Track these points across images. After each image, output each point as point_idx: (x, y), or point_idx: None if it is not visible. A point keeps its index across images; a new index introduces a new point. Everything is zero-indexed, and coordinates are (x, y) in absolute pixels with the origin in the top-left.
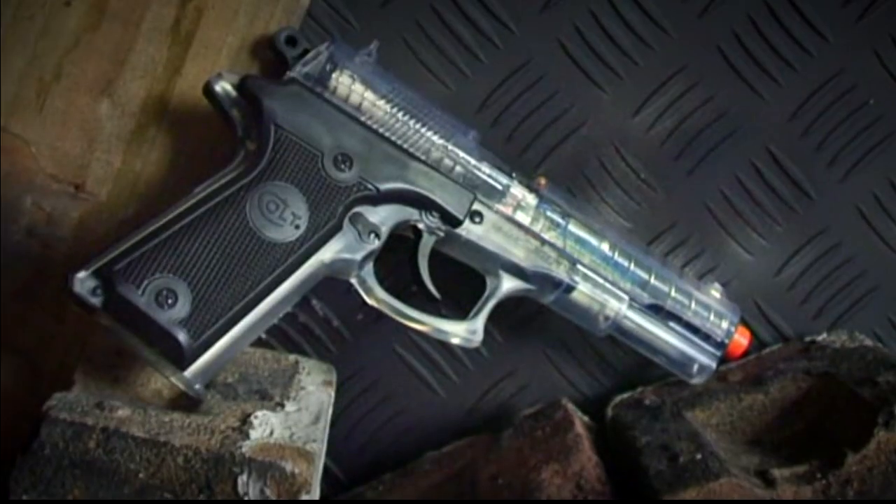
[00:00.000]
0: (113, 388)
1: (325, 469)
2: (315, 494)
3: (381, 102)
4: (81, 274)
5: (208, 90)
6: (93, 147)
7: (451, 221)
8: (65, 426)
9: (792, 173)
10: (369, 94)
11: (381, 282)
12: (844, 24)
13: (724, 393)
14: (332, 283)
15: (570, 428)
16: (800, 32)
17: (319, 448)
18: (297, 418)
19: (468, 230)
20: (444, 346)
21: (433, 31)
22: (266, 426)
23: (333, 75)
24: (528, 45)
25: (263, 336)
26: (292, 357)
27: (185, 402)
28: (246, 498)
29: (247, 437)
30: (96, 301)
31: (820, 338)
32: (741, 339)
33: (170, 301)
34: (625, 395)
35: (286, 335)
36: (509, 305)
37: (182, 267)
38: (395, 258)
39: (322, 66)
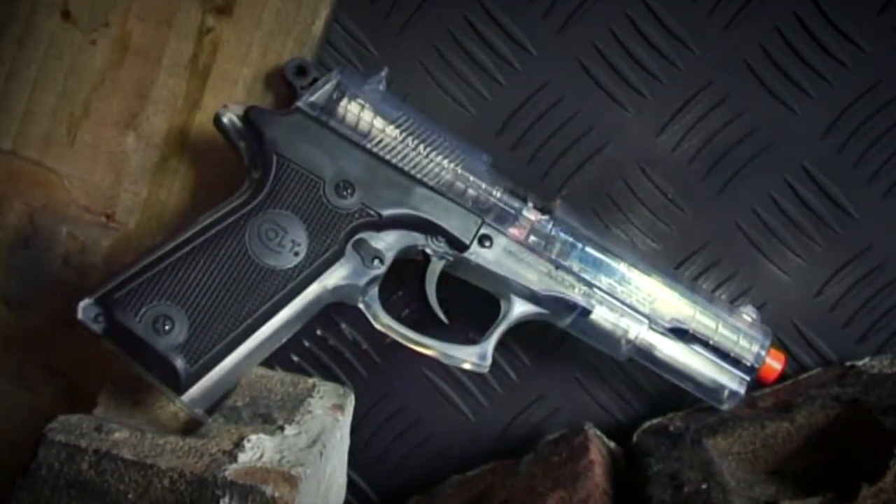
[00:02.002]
0: (133, 410)
1: (358, 490)
2: None
3: (390, 128)
4: (85, 302)
5: (217, 122)
6: (121, 179)
7: (458, 246)
8: (60, 448)
9: (829, 190)
10: (378, 121)
11: (405, 307)
12: (880, 33)
13: (749, 420)
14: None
15: (585, 454)
16: (832, 43)
17: (311, 471)
18: (292, 442)
19: (477, 254)
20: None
21: (451, 55)
22: (257, 449)
23: (341, 103)
24: (547, 66)
25: (295, 359)
26: (311, 381)
27: (195, 425)
28: None
29: (235, 460)
30: (98, 327)
31: (861, 363)
32: (774, 363)
33: (167, 327)
34: (654, 421)
35: (317, 358)
36: (536, 329)
37: (180, 294)
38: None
39: (329, 95)
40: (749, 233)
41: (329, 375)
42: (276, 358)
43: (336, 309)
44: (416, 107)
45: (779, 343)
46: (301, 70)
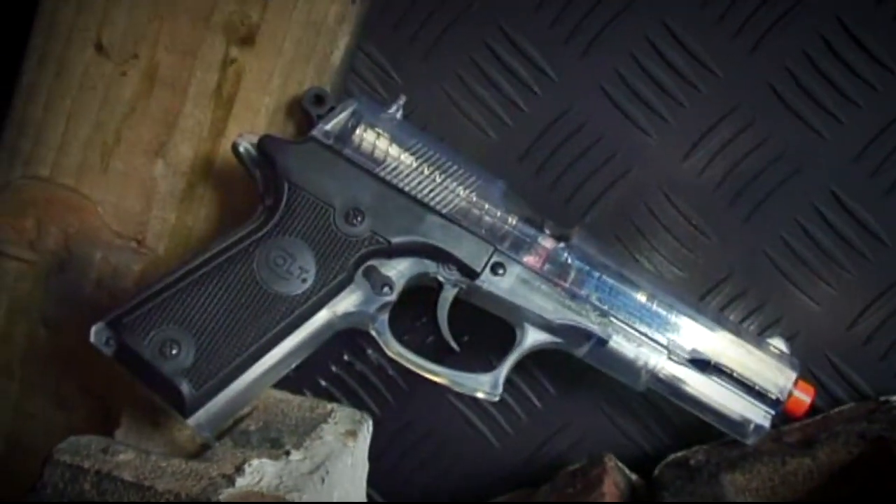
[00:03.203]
0: (152, 431)
1: None
2: None
3: (404, 156)
4: (97, 326)
5: (234, 151)
6: (150, 205)
7: (469, 273)
8: (64, 468)
9: (860, 217)
10: (392, 149)
11: (430, 334)
12: None
13: (769, 456)
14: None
15: (598, 486)
16: (861, 66)
17: (308, 497)
18: (294, 467)
19: (489, 282)
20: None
21: (473, 81)
22: (257, 474)
23: (357, 131)
24: (569, 92)
25: (323, 384)
26: (330, 406)
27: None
28: None
29: (232, 484)
30: (108, 351)
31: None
32: (802, 396)
33: (173, 352)
34: (678, 454)
35: (344, 383)
36: (561, 358)
37: (187, 319)
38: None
39: (344, 123)
40: (777, 261)
41: (356, 400)
42: (306, 382)
43: (362, 335)
44: (439, 132)
45: (810, 376)
46: (319, 99)
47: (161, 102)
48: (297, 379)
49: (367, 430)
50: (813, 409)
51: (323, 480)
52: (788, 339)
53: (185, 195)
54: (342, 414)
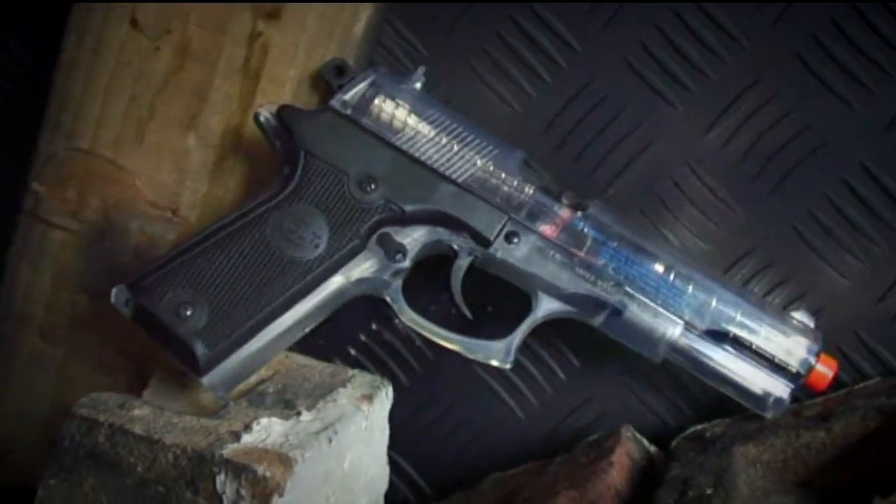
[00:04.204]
0: (179, 393)
1: (413, 483)
2: (291, 495)
3: (422, 125)
4: (117, 288)
5: (256, 121)
6: (183, 177)
7: (483, 242)
8: (81, 421)
9: (891, 189)
10: (410, 119)
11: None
12: None
13: (784, 429)
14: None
15: (608, 456)
16: (892, 32)
17: (312, 455)
18: (303, 427)
19: (503, 251)
20: (522, 368)
21: (497, 53)
22: (265, 432)
23: (376, 101)
24: (592, 63)
25: (352, 352)
26: (351, 372)
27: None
28: (224, 496)
29: (238, 440)
30: (127, 312)
31: None
32: (825, 370)
33: (188, 313)
34: (698, 427)
35: (373, 353)
36: (585, 329)
37: (202, 282)
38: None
39: (363, 93)
40: (804, 234)
41: (384, 370)
42: (335, 350)
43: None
44: (464, 105)
45: (837, 351)
46: (339, 70)
47: (192, 76)
48: (328, 347)
49: (385, 395)
50: (838, 385)
51: (330, 440)
52: (815, 314)
53: (215, 167)
54: (361, 379)
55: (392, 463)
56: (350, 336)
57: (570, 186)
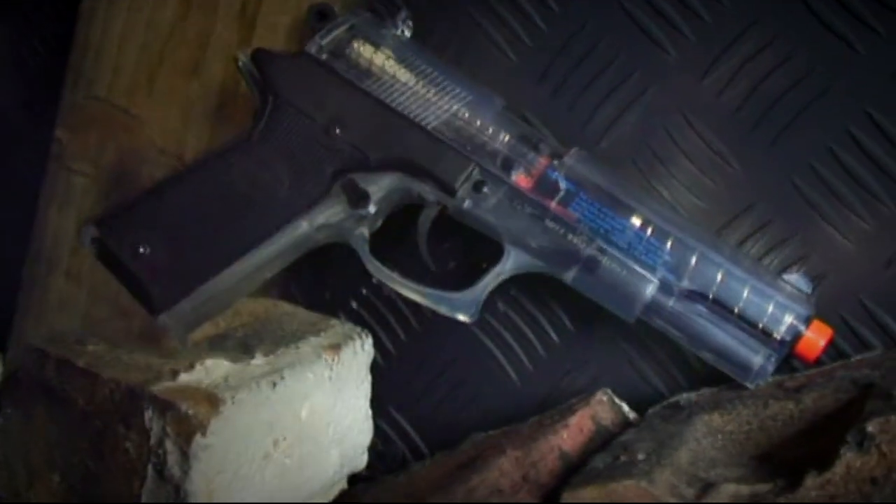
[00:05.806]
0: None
1: (411, 441)
2: (217, 436)
3: (400, 72)
4: (84, 226)
5: (236, 65)
6: (188, 124)
7: (447, 190)
8: (36, 354)
9: None
10: (389, 64)
11: (452, 259)
12: None
13: (753, 399)
14: (410, 261)
15: (566, 418)
16: None
17: (247, 398)
18: (248, 371)
19: (471, 200)
20: (518, 331)
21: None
22: (205, 373)
23: (353, 45)
24: (583, 7)
25: (354, 305)
26: (333, 321)
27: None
28: (151, 432)
29: (174, 378)
30: (93, 250)
31: None
32: (816, 337)
33: (147, 252)
34: (682, 396)
35: (374, 307)
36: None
37: (163, 222)
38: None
39: (339, 38)
40: (805, 191)
41: (385, 325)
42: (339, 304)
43: (391, 259)
44: (460, 54)
45: (840, 320)
46: (322, 15)
47: (195, 24)
48: (332, 302)
49: (360, 347)
50: (839, 356)
51: (275, 385)
52: (815, 279)
53: (216, 114)
54: (337, 330)
55: (390, 419)
56: (352, 289)
57: (566, 139)
